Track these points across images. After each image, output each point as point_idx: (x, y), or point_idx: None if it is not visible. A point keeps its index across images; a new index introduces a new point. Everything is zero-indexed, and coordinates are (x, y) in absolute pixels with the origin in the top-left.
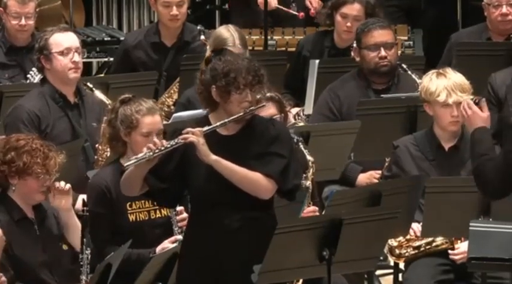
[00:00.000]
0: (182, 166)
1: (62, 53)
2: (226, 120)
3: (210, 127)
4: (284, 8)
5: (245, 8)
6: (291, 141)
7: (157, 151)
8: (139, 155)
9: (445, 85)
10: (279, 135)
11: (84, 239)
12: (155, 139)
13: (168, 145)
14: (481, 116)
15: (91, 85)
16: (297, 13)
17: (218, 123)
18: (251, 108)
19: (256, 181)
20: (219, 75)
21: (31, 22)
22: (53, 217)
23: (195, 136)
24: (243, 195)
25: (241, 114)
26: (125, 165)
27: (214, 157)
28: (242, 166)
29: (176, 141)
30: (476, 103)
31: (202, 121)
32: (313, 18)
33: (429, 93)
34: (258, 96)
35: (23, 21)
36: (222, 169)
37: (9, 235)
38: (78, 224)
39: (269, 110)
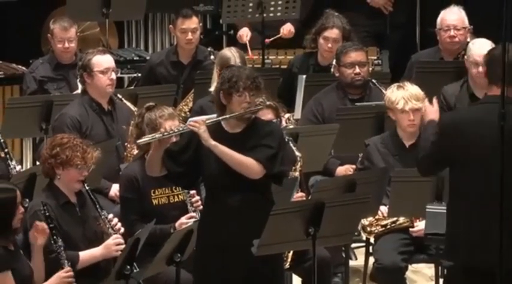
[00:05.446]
0: (197, 155)
1: (102, 72)
2: (227, 116)
3: (213, 119)
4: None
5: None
6: (281, 136)
7: (166, 133)
8: (150, 135)
9: (402, 96)
10: (271, 131)
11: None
12: (166, 126)
13: (176, 130)
14: (431, 110)
15: (120, 96)
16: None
17: (221, 117)
18: (249, 108)
19: (248, 164)
20: (224, 80)
21: (73, 45)
22: (90, 202)
23: (197, 124)
24: (243, 180)
25: (240, 112)
26: (138, 141)
27: (213, 142)
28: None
29: (183, 126)
30: None
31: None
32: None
33: (391, 102)
34: (260, 101)
35: (66, 45)
36: (220, 152)
37: (57, 215)
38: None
39: (268, 115)
